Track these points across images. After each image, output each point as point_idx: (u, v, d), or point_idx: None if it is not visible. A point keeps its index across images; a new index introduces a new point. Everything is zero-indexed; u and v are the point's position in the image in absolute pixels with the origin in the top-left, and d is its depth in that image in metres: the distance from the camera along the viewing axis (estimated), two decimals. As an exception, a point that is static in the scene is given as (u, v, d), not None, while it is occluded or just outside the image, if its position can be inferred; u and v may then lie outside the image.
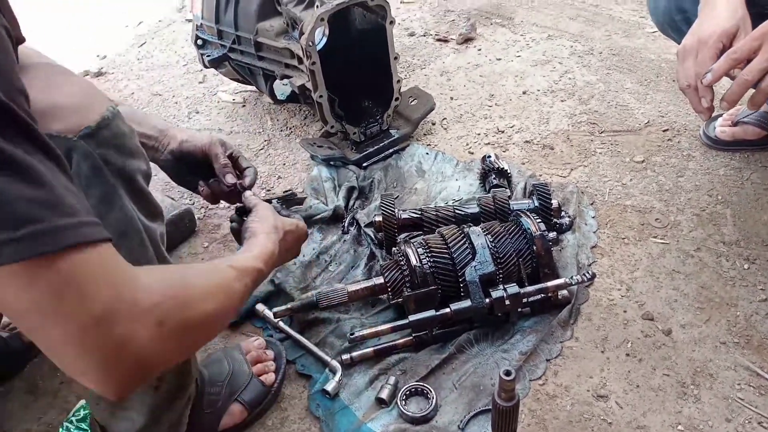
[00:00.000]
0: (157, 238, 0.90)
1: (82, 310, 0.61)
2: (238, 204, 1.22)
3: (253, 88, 2.14)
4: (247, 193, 1.21)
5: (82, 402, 1.24)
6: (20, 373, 1.34)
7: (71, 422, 1.20)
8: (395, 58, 1.77)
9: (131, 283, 0.65)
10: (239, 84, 2.18)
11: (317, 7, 1.63)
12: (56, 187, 0.60)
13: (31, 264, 0.57)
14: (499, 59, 2.25)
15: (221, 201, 1.32)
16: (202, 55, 1.97)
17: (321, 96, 1.69)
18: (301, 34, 1.63)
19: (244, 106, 2.16)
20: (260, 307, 1.40)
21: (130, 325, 0.64)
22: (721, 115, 1.74)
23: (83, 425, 1.19)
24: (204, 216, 1.72)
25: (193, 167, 1.26)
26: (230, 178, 1.23)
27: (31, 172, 0.58)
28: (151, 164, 0.96)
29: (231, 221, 1.22)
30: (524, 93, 2.05)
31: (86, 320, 0.61)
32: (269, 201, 1.27)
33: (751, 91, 1.10)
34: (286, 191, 1.39)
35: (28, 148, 0.58)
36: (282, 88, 1.90)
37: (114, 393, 0.67)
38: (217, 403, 1.16)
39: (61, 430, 1.18)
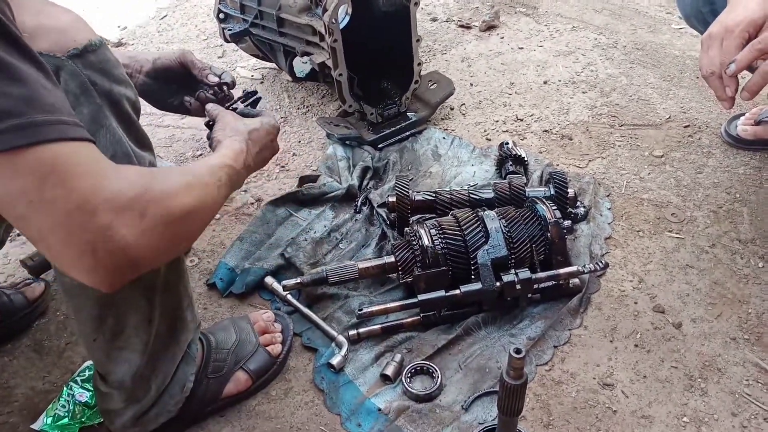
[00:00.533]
0: (146, 166, 0.91)
1: (65, 197, 0.65)
2: (208, 120, 1.23)
3: (272, 65, 2.14)
4: (209, 105, 1.22)
5: (87, 362, 1.25)
6: (26, 331, 1.36)
7: (76, 382, 1.21)
8: (417, 40, 1.76)
9: (112, 175, 0.69)
10: (258, 60, 2.17)
11: (342, -16, 1.62)
12: (39, 87, 0.64)
13: (13, 154, 0.62)
14: (522, 48, 2.23)
15: None
16: (223, 29, 1.97)
17: (341, 74, 1.68)
18: (325, 11, 1.63)
19: (262, 82, 2.16)
20: (269, 279, 1.40)
21: (112, 214, 0.67)
22: (743, 114, 1.71)
23: (87, 385, 1.20)
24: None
25: (173, 86, 1.29)
26: (212, 78, 1.26)
27: (13, 71, 0.62)
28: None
29: (207, 138, 1.21)
30: (545, 83, 2.03)
31: (69, 206, 0.65)
32: (235, 109, 1.27)
33: None
34: (245, 91, 1.37)
35: (11, 51, 0.62)
36: (301, 66, 1.90)
37: (103, 281, 0.70)
38: (222, 369, 1.17)
39: (65, 389, 1.20)
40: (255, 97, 1.34)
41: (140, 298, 0.97)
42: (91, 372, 1.22)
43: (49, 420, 1.16)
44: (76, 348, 1.32)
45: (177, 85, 1.31)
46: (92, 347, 1.00)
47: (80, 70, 0.81)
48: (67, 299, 1.00)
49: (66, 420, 1.16)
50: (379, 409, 1.15)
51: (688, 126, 1.80)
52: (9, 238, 1.35)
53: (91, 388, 1.19)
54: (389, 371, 1.20)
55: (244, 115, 1.22)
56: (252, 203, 1.64)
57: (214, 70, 1.31)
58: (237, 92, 1.34)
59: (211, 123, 1.20)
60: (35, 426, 1.17)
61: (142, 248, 0.71)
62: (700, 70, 1.19)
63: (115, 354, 0.99)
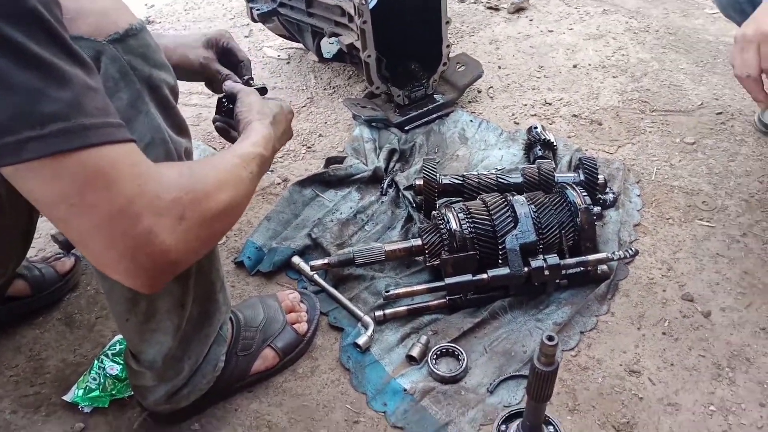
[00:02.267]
0: (182, 152, 0.91)
1: (108, 201, 0.65)
2: (219, 96, 1.18)
3: (299, 45, 2.14)
4: (228, 82, 1.17)
5: (118, 336, 1.27)
6: (57, 305, 1.38)
7: (107, 355, 1.23)
8: (447, 22, 1.74)
9: (154, 179, 0.69)
10: (285, 41, 2.17)
11: (372, -37, 1.61)
12: (85, 89, 0.63)
13: (57, 159, 0.62)
14: (551, 31, 2.20)
15: None
16: (251, 8, 1.96)
17: (369, 56, 1.67)
18: (354, -10, 1.61)
19: (288, 63, 2.15)
20: (296, 259, 1.41)
21: (153, 218, 0.68)
22: (778, 101, 1.68)
23: (118, 359, 1.22)
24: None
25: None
26: (230, 86, 1.16)
27: (59, 73, 0.61)
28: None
29: (214, 122, 1.18)
30: (575, 66, 2.01)
31: (112, 210, 0.65)
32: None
33: None
34: (256, 85, 1.26)
35: (57, 53, 0.62)
36: (329, 47, 1.89)
37: (142, 284, 0.71)
38: (251, 347, 1.18)
39: (96, 362, 1.22)
40: (263, 89, 1.30)
41: (173, 283, 0.96)
42: (122, 346, 1.24)
43: (81, 392, 1.18)
44: (106, 322, 1.34)
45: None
46: (124, 327, 1.01)
47: (120, 55, 0.80)
48: (100, 279, 1.01)
49: (97, 392, 1.18)
50: (405, 390, 1.16)
51: (720, 113, 1.76)
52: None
53: (122, 362, 1.21)
54: (415, 352, 1.21)
55: None
56: (278, 183, 1.65)
57: (237, 54, 1.25)
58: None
59: (225, 101, 1.15)
60: (66, 398, 1.19)
61: (181, 251, 0.72)
62: (732, 68, 1.17)
63: (147, 336, 1.00)
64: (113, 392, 1.19)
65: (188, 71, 1.21)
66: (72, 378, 1.23)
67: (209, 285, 1.05)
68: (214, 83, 1.24)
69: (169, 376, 1.05)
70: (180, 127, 0.92)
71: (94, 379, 1.20)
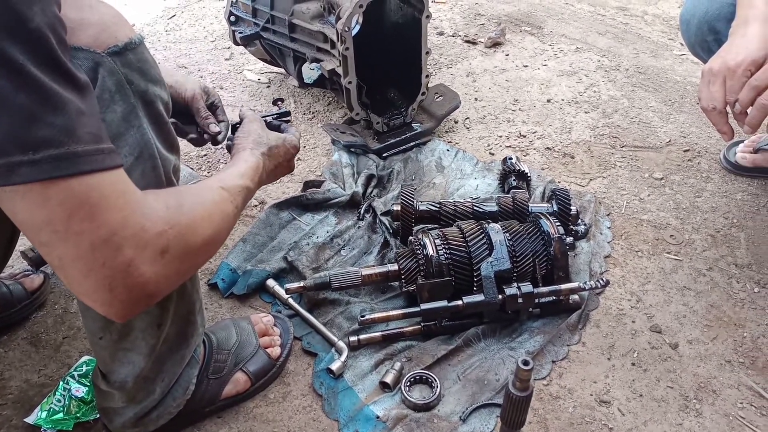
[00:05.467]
0: (170, 169, 0.91)
1: (92, 231, 0.65)
2: (235, 124, 1.24)
3: (279, 69, 2.15)
4: (243, 108, 1.23)
5: (85, 357, 1.24)
6: (24, 324, 1.35)
7: (73, 376, 1.20)
8: (427, 52, 1.78)
9: (139, 210, 0.69)
10: (265, 65, 2.19)
11: (356, -7, 1.64)
12: (77, 114, 0.63)
13: (46, 184, 0.61)
14: (526, 66, 2.26)
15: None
16: (234, 31, 1.98)
17: (350, 82, 1.70)
18: (338, 19, 1.64)
19: (268, 86, 2.17)
20: (271, 282, 1.40)
21: (135, 250, 0.68)
22: (742, 141, 1.75)
23: (85, 380, 1.19)
24: (221, 189, 1.73)
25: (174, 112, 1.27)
26: (213, 128, 1.24)
27: (55, 98, 0.61)
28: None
29: (229, 140, 1.24)
30: (548, 101, 2.06)
31: (95, 240, 0.65)
32: (264, 117, 1.29)
33: None
34: (279, 110, 1.38)
35: (55, 77, 0.62)
36: (310, 72, 1.92)
37: (117, 314, 0.71)
38: (222, 370, 1.16)
39: (61, 383, 1.19)
40: (286, 113, 1.36)
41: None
42: (89, 367, 1.21)
43: (44, 414, 1.15)
44: (73, 342, 1.31)
45: (178, 112, 1.27)
46: (97, 345, 0.99)
47: (118, 68, 0.80)
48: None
49: (61, 415, 1.15)
50: (378, 417, 1.15)
51: (687, 150, 1.83)
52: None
53: (89, 384, 1.18)
54: (388, 379, 1.20)
55: (271, 127, 1.23)
56: (255, 205, 1.65)
57: (218, 115, 1.28)
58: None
59: (237, 124, 1.21)
60: (29, 420, 1.15)
61: (160, 283, 0.72)
62: (699, 101, 1.22)
63: (120, 355, 0.98)
64: (78, 415, 1.16)
65: (176, 100, 1.22)
66: (35, 399, 1.19)
67: (189, 306, 1.04)
68: (191, 135, 1.27)
69: (140, 398, 1.02)
70: (170, 144, 0.92)
71: (59, 400, 1.16)
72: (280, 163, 1.17)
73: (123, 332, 0.96)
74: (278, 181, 1.74)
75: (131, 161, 0.82)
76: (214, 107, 1.29)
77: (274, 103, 1.41)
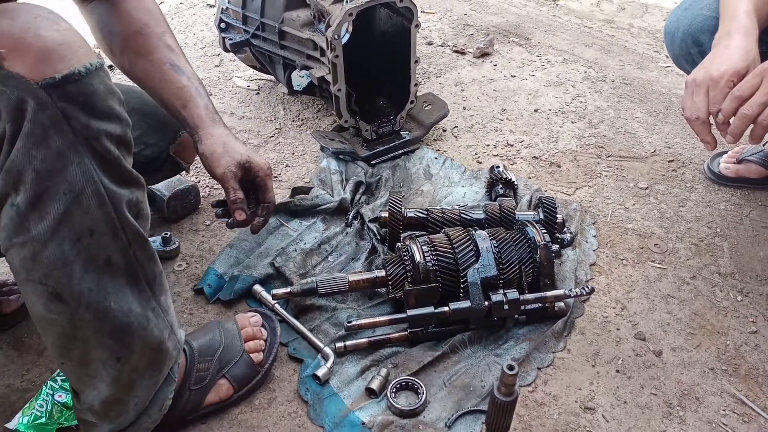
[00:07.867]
0: (122, 204, 0.85)
1: None
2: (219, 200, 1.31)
3: (269, 76, 2.16)
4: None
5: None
6: (6, 330, 1.34)
7: (56, 381, 1.19)
8: (416, 61, 1.79)
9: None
10: (255, 72, 2.19)
11: (346, 2, 1.65)
12: None
13: None
14: (514, 76, 2.28)
15: None
16: (224, 38, 1.98)
17: (339, 90, 1.70)
18: (328, 27, 1.65)
19: (258, 93, 2.17)
20: (258, 288, 1.40)
21: None
22: (726, 152, 1.77)
23: (67, 385, 1.18)
24: (209, 194, 1.73)
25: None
26: (239, 215, 1.26)
27: None
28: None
29: (213, 205, 1.31)
30: (536, 111, 2.08)
31: None
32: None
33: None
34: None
35: None
36: (299, 79, 1.93)
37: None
38: (205, 378, 1.14)
39: (44, 388, 1.18)
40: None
41: (107, 339, 0.90)
42: (73, 372, 1.20)
43: (26, 419, 1.13)
44: (57, 347, 1.30)
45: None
46: (62, 368, 0.97)
47: (53, 101, 0.75)
48: (35, 322, 0.92)
49: (43, 420, 1.14)
50: (363, 423, 1.15)
51: (672, 161, 1.85)
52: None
53: (69, 389, 1.17)
54: (374, 385, 1.20)
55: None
56: (243, 211, 1.64)
57: (265, 194, 1.32)
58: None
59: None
60: (10, 425, 1.14)
61: None
62: (683, 111, 1.23)
63: (85, 380, 0.95)
64: (61, 420, 1.14)
65: (206, 167, 1.26)
66: (18, 404, 1.18)
67: (156, 338, 0.97)
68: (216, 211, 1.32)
69: (113, 416, 0.99)
70: (124, 179, 0.86)
71: (42, 405, 1.15)
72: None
73: (83, 362, 0.92)
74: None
75: (71, 198, 0.79)
76: (258, 185, 1.30)
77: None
